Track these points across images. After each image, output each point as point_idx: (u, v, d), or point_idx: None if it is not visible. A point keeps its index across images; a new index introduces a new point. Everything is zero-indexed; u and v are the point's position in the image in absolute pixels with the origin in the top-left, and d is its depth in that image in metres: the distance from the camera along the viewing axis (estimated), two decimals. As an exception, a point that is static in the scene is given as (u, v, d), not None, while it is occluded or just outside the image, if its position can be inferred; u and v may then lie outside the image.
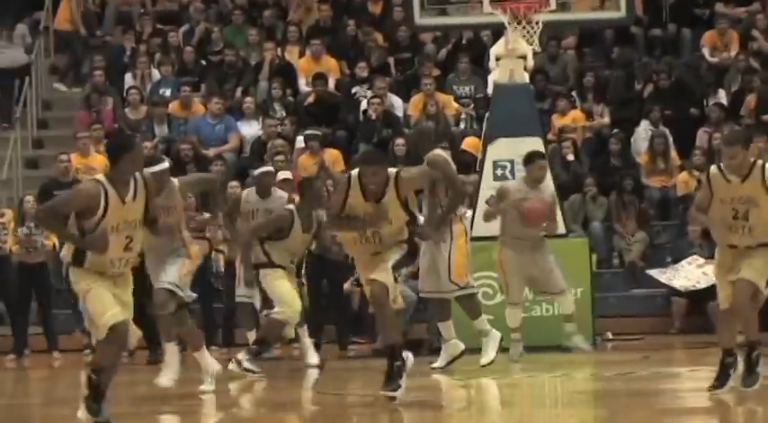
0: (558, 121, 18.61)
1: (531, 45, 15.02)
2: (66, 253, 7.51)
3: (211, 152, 18.00)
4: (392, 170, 8.91)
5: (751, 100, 17.86)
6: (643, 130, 18.09)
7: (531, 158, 13.37)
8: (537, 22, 14.69)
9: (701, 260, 14.19)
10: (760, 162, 8.69)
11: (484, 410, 10.91)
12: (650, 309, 16.36)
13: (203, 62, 20.93)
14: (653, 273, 15.25)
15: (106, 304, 7.28)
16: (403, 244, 9.21)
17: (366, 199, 8.73)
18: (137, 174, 7.46)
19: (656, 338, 14.75)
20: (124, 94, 20.40)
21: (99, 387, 7.46)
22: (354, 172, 8.92)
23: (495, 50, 15.39)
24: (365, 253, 9.16)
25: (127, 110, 19.88)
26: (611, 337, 15.49)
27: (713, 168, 8.90)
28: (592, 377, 12.76)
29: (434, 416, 10.35)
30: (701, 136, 18.22)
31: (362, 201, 8.76)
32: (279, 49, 20.94)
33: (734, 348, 9.15)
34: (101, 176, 7.42)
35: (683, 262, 15.03)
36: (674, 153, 18.04)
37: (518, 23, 14.73)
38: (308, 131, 18.38)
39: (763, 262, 8.62)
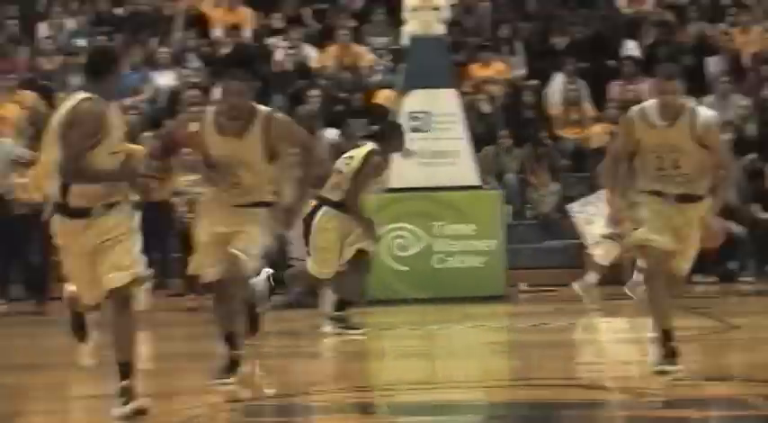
0: (478, 73, 18.12)
1: (446, -5, 13.80)
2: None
3: (126, 102, 17.36)
4: (265, 108, 7.93)
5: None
6: (557, 83, 18.01)
7: None
8: (452, -28, 14.22)
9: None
10: (690, 105, 8.22)
11: (398, 360, 11.05)
12: (564, 260, 16.14)
13: (118, 13, 20.09)
14: (573, 208, 15.16)
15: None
16: (270, 206, 7.95)
17: (223, 134, 7.61)
18: None
19: (568, 290, 14.66)
20: (38, 44, 19.67)
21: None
22: (211, 107, 7.97)
23: (410, 2, 15.31)
24: (223, 205, 7.82)
25: (41, 60, 18.91)
26: (525, 288, 15.47)
27: (635, 112, 8.18)
28: (506, 328, 12.75)
29: (350, 366, 10.48)
30: (615, 88, 17.88)
31: (219, 137, 7.61)
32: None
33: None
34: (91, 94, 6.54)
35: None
36: (588, 105, 17.89)
37: (435, -26, 13.75)
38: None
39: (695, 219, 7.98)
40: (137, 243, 6.87)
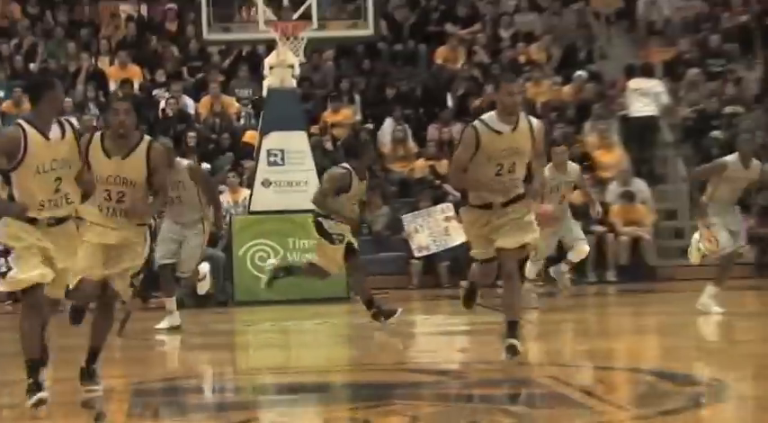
0: (329, 118, 19.48)
1: (298, 57, 15.81)
2: None
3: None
4: (147, 137, 7.15)
5: (480, 101, 18.30)
6: (387, 126, 18.76)
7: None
8: (302, 38, 15.50)
9: (452, 212, 14.32)
10: (522, 112, 8.04)
11: (260, 350, 11.40)
12: (392, 269, 16.93)
13: (32, 69, 20.60)
14: (406, 218, 15.52)
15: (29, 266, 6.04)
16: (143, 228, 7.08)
17: (109, 154, 6.70)
18: (65, 118, 6.70)
19: (397, 293, 15.11)
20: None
21: None
22: (98, 132, 7.03)
23: (268, 61, 16.24)
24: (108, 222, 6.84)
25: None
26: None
27: (478, 124, 7.79)
28: (348, 324, 12.93)
29: (222, 356, 10.53)
30: (433, 131, 19.15)
31: (104, 158, 6.68)
32: (93, 59, 21.51)
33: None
34: (20, 119, 6.25)
35: (438, 207, 15.29)
36: (411, 144, 18.74)
37: (287, 39, 15.44)
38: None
39: (517, 220, 7.74)
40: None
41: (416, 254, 15.83)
